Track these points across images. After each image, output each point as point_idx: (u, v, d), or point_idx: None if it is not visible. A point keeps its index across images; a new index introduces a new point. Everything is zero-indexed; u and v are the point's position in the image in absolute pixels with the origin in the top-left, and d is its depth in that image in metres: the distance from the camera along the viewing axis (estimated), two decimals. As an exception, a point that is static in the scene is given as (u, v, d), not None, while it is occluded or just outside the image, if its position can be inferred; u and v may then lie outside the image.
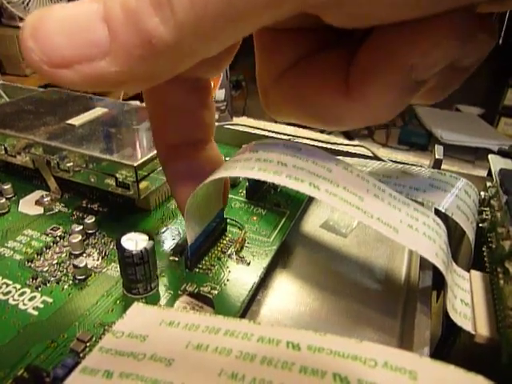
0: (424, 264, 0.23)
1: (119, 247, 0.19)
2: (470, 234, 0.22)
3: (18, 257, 0.23)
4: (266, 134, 0.37)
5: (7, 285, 0.21)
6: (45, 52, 0.12)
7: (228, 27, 0.11)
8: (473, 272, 0.20)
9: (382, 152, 0.35)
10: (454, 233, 0.26)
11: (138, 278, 0.20)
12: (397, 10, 0.11)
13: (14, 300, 0.20)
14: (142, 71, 0.12)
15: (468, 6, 0.12)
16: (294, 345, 0.14)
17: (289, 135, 0.37)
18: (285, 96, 0.16)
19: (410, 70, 0.12)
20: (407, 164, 0.28)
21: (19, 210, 0.27)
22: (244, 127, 0.38)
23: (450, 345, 0.23)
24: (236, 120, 0.50)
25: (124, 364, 0.14)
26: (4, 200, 0.26)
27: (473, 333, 0.17)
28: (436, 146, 0.28)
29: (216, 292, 0.21)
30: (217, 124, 0.37)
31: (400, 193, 0.23)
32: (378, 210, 0.17)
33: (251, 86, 1.44)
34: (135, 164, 0.24)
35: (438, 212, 0.25)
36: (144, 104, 0.20)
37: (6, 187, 0.28)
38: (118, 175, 0.25)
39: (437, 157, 0.26)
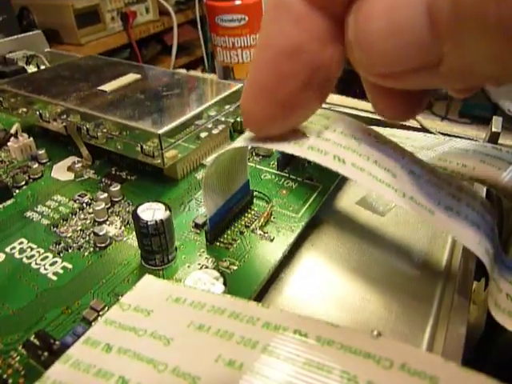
0: (469, 250, 0.20)
1: (135, 217, 0.19)
2: (527, 219, 0.19)
3: (45, 222, 0.23)
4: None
5: (31, 248, 0.21)
6: (372, 64, 0.11)
7: None
8: (525, 263, 0.18)
9: (437, 125, 0.32)
10: (508, 218, 0.23)
11: (153, 249, 0.19)
12: None
13: (36, 264, 0.20)
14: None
15: None
16: (301, 334, 0.12)
17: (329, 103, 0.35)
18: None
19: None
20: (459, 137, 0.25)
21: (52, 175, 0.27)
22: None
23: (491, 341, 0.20)
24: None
25: (124, 339, 0.14)
26: (37, 165, 0.27)
27: (518, 334, 0.15)
28: (494, 117, 0.24)
29: (235, 267, 0.20)
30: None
31: (444, 169, 0.21)
32: (411, 188, 0.15)
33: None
34: (159, 132, 0.23)
35: (489, 193, 0.22)
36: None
37: (40, 152, 0.28)
38: (143, 143, 0.24)
39: (493, 129, 0.23)
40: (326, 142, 0.16)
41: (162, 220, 0.19)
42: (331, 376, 0.11)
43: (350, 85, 0.33)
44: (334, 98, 0.36)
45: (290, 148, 0.16)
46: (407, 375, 0.11)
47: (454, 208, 0.15)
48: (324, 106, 0.16)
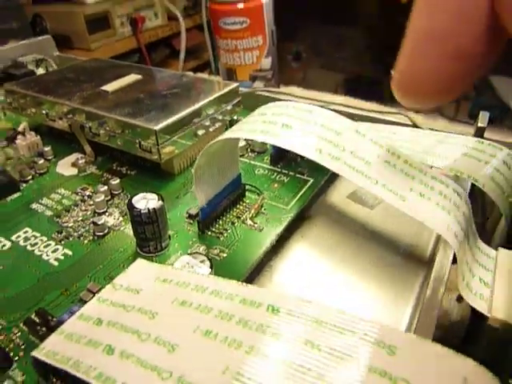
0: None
1: (130, 206, 0.20)
2: (504, 208, 0.19)
3: (48, 213, 0.24)
4: (307, 102, 0.35)
5: (35, 237, 0.22)
6: None
7: None
8: (501, 250, 0.18)
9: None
10: (492, 208, 0.23)
11: (147, 236, 0.20)
12: None
13: (39, 251, 0.21)
14: None
15: None
16: (274, 308, 0.13)
17: (339, 104, 0.35)
18: None
19: None
20: (447, 132, 0.25)
21: (57, 170, 0.28)
22: (286, 95, 0.37)
23: (475, 329, 0.21)
24: (283, 89, 0.49)
25: (114, 314, 0.15)
26: (43, 161, 0.28)
27: (487, 314, 0.16)
28: (481, 112, 0.25)
29: (225, 255, 0.21)
30: (251, 90, 0.36)
31: (430, 163, 0.21)
32: (384, 176, 0.16)
33: (311, 57, 1.40)
34: (156, 128, 0.24)
35: (473, 186, 0.22)
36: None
37: (46, 149, 0.29)
38: (142, 139, 0.25)
39: (479, 125, 0.24)
40: (308, 134, 0.17)
41: (154, 209, 0.20)
42: (295, 344, 0.12)
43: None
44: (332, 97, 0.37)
45: (271, 140, 0.17)
46: (367, 343, 0.12)
47: (426, 195, 0.16)
48: (309, 102, 0.17)
